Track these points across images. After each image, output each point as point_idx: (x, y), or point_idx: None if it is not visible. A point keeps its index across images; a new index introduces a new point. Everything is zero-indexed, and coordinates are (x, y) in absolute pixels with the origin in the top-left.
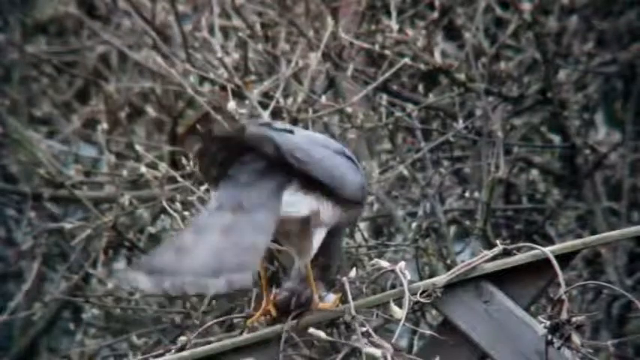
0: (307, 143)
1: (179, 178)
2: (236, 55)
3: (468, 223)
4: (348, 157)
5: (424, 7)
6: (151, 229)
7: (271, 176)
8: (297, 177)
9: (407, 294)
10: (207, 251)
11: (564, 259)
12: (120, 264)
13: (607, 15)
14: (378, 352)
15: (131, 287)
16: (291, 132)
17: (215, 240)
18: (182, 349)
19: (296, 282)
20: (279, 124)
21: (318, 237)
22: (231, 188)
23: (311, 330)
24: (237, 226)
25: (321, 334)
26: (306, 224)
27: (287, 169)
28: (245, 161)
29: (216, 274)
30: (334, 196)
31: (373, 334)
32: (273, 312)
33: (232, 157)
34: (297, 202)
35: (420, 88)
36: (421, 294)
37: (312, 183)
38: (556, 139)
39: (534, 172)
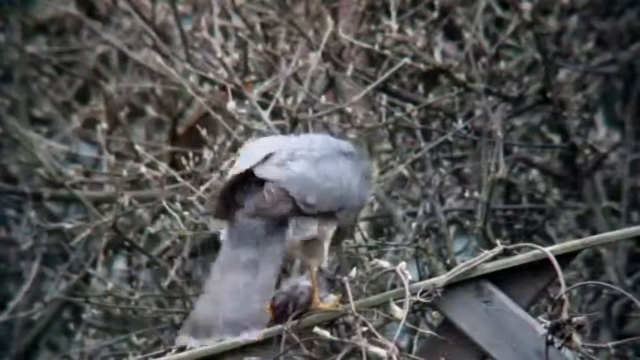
0: (314, 172)
1: (179, 178)
2: (236, 55)
3: (468, 223)
4: (347, 154)
5: (424, 7)
6: (151, 229)
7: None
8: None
9: (407, 294)
10: (232, 302)
11: (564, 259)
12: (120, 264)
13: (607, 15)
14: (383, 352)
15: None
16: (290, 159)
17: (237, 285)
18: (182, 349)
19: (295, 286)
20: (281, 144)
21: (326, 247)
22: (244, 220)
23: (316, 329)
24: (254, 265)
25: (326, 333)
26: (312, 240)
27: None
28: (252, 192)
29: (240, 329)
30: (339, 216)
31: (377, 333)
32: (270, 315)
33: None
34: (303, 229)
35: (420, 88)
36: (421, 294)
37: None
38: (556, 139)
39: (534, 172)
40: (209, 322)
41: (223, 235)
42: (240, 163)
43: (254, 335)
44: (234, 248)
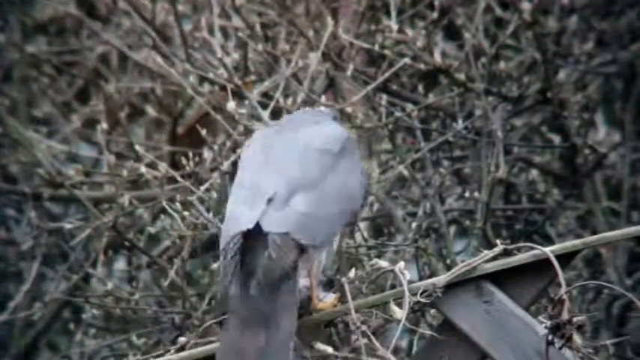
0: (312, 208)
1: (179, 178)
2: (236, 55)
3: (468, 223)
4: (344, 151)
5: (424, 7)
6: (151, 229)
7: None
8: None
9: (406, 294)
10: None
11: (564, 259)
12: (120, 264)
13: (607, 15)
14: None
15: None
16: (291, 192)
17: (256, 343)
18: (182, 349)
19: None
20: (278, 190)
21: (330, 254)
22: (248, 295)
23: (317, 345)
24: (270, 320)
25: (329, 349)
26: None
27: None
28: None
29: None
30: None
31: (373, 338)
32: None
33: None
34: (311, 260)
35: (420, 88)
36: (421, 294)
37: None
38: (556, 139)
39: (534, 172)
40: None
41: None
42: (238, 217)
43: None
44: (246, 297)
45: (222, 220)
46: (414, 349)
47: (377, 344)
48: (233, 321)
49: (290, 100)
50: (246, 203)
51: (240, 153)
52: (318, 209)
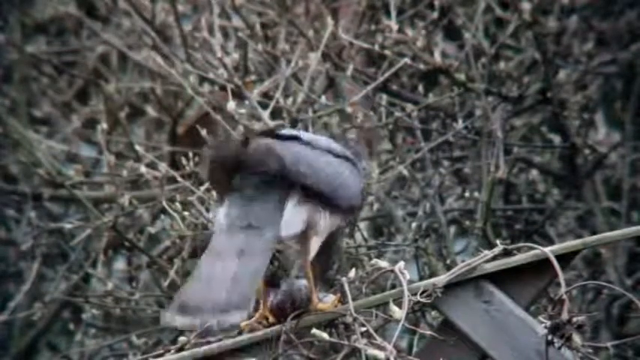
0: (310, 152)
1: (179, 178)
2: (236, 55)
3: (468, 223)
4: (349, 159)
5: (424, 7)
6: (151, 229)
7: (274, 187)
8: (298, 187)
9: (406, 294)
10: (222, 288)
11: (564, 259)
12: (120, 264)
13: (607, 15)
14: (381, 355)
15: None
16: (296, 138)
17: (228, 271)
18: (182, 349)
19: (292, 284)
20: (284, 131)
21: (317, 242)
22: (238, 204)
23: (314, 331)
24: (248, 250)
25: (324, 335)
26: (304, 234)
27: (289, 180)
28: (248, 172)
29: (227, 311)
30: (333, 206)
31: (375, 335)
32: (270, 317)
33: (236, 170)
34: (296, 217)
35: (420, 88)
36: (421, 294)
37: (313, 192)
38: (556, 139)
39: (534, 172)
40: (197, 304)
41: (219, 216)
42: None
43: (237, 318)
44: (227, 233)
45: None
46: (414, 349)
47: (379, 339)
48: (207, 254)
49: (290, 100)
50: None
51: None
52: (310, 155)
